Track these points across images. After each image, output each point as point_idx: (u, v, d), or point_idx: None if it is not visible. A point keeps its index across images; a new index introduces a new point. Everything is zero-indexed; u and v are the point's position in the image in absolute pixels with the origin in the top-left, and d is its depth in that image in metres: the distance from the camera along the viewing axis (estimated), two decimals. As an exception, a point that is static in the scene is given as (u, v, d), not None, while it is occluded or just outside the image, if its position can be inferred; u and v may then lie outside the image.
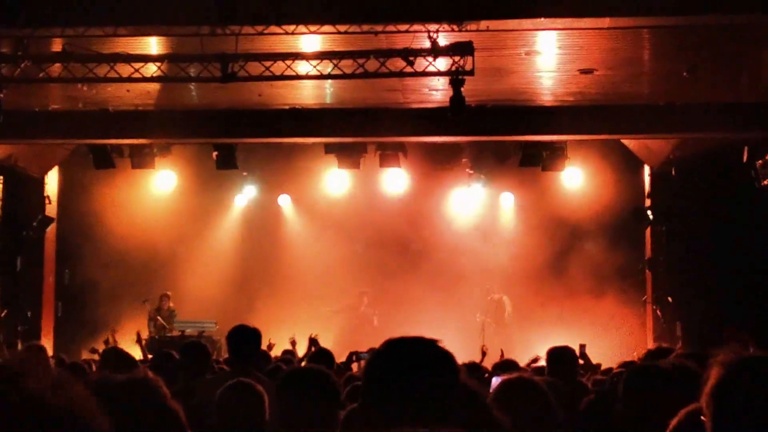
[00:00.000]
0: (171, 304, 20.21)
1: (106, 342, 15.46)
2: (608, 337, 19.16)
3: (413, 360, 2.92)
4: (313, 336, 13.23)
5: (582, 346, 12.41)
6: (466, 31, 11.81)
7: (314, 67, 13.00)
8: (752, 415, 2.44)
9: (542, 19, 11.66)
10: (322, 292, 21.20)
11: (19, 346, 17.93)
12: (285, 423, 4.73)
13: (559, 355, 8.45)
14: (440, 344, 2.98)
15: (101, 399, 2.63)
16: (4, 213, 19.29)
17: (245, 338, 7.55)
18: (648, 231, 20.34)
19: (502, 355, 13.35)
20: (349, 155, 19.07)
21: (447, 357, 2.96)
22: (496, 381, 5.37)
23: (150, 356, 15.75)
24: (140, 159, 19.55)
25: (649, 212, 19.79)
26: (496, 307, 20.83)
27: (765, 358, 2.54)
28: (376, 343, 3.08)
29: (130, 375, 2.71)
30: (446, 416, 2.83)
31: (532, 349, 14.22)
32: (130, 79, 13.21)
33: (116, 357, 8.73)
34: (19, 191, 19.79)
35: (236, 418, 5.24)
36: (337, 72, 12.97)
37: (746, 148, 16.44)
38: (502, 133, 17.64)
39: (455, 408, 2.88)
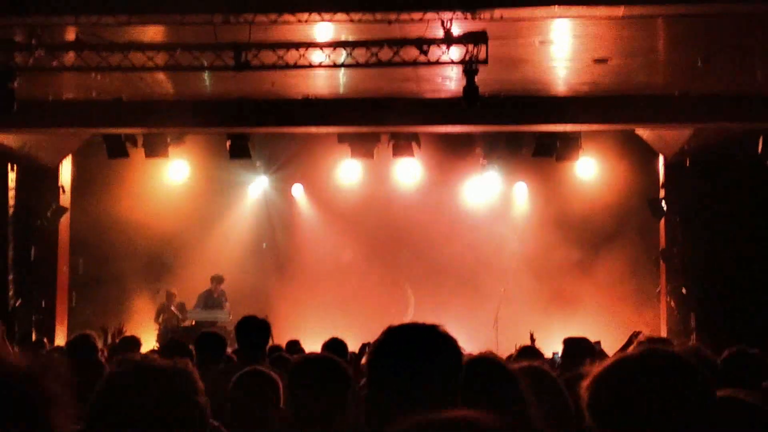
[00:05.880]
0: (177, 300, 20.31)
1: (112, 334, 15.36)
2: (622, 329, 19.04)
3: (415, 345, 2.92)
4: None
5: (597, 343, 12.40)
6: (480, 19, 11.74)
7: (327, 56, 12.97)
8: (622, 412, 2.53)
9: (556, 7, 11.59)
10: (334, 282, 21.21)
11: (33, 336, 17.98)
12: (296, 411, 4.72)
13: (575, 346, 8.40)
14: (441, 329, 2.98)
15: (137, 381, 2.63)
16: (17, 202, 19.33)
17: (254, 329, 7.54)
18: (662, 222, 20.26)
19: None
20: (362, 145, 19.04)
21: (448, 341, 2.96)
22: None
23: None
24: (154, 148, 19.53)
25: (663, 203, 19.71)
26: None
27: (640, 358, 2.61)
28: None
29: (173, 363, 2.70)
30: (451, 399, 2.82)
31: (543, 341, 14.21)
32: (143, 68, 13.21)
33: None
34: (32, 181, 19.82)
35: (250, 406, 5.23)
36: (350, 61, 12.93)
37: (761, 139, 16.36)
38: (515, 122, 17.56)
39: (458, 391, 2.88)
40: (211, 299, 20.15)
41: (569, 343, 8.45)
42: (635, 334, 10.72)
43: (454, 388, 2.90)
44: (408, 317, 20.56)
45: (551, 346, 13.72)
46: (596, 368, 2.61)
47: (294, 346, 12.78)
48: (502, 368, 3.68)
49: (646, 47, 14.06)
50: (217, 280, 20.37)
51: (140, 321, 19.78)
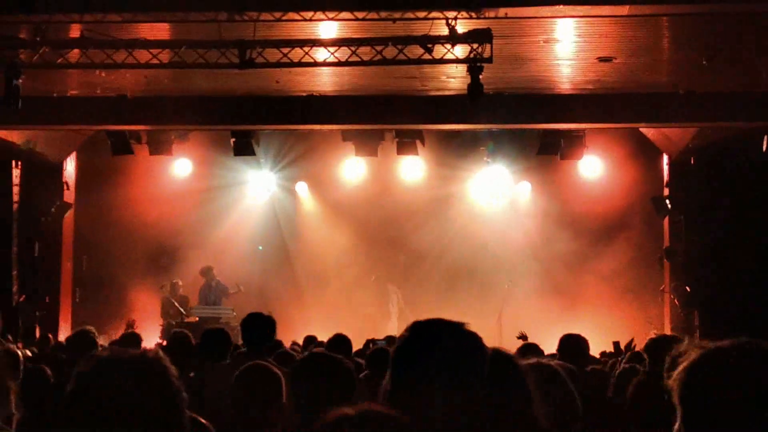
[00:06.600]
0: (181, 292, 20.33)
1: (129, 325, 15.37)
2: (626, 326, 19.08)
3: (442, 343, 2.92)
4: None
5: (616, 344, 12.50)
6: (485, 18, 11.75)
7: (332, 53, 12.98)
8: (717, 403, 2.44)
9: (561, 6, 11.60)
10: (338, 279, 21.23)
11: (37, 332, 18.01)
12: (299, 409, 4.72)
13: (571, 343, 8.45)
14: (467, 326, 3.00)
15: (103, 373, 2.63)
16: (22, 199, 19.36)
17: (259, 325, 7.55)
18: (666, 220, 20.25)
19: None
20: (366, 142, 19.05)
21: (474, 339, 2.97)
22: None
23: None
24: (158, 145, 19.57)
25: (667, 201, 19.69)
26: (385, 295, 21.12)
27: (735, 349, 2.54)
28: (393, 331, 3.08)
29: (141, 352, 2.70)
30: (476, 397, 2.83)
31: (543, 339, 14.19)
32: (148, 65, 13.22)
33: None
34: (37, 177, 19.84)
35: (253, 401, 5.24)
36: (354, 59, 12.93)
37: (765, 137, 16.34)
38: (520, 121, 17.56)
39: (484, 389, 2.88)
40: (210, 291, 20.18)
41: (565, 340, 8.50)
42: (630, 345, 10.85)
43: (480, 385, 2.91)
44: (392, 314, 20.66)
45: (555, 344, 13.70)
46: (687, 359, 2.55)
47: (311, 341, 12.80)
48: (512, 364, 3.67)
49: (651, 46, 14.06)
50: (207, 271, 20.40)
51: (144, 317, 19.80)
